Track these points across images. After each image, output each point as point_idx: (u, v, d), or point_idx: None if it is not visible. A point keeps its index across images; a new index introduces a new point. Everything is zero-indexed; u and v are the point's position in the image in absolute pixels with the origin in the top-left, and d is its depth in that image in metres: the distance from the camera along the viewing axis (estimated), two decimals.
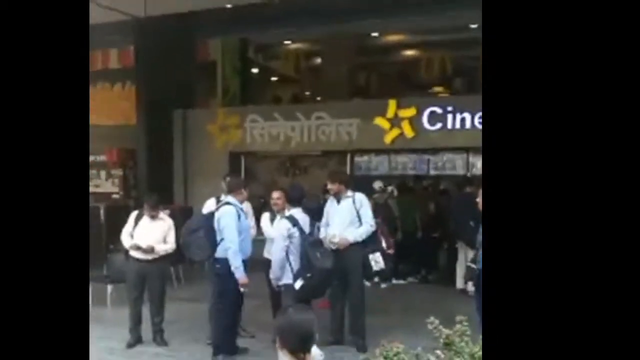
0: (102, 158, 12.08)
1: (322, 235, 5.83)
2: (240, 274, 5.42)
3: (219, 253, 5.50)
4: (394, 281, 9.10)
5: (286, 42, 14.93)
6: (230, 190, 5.77)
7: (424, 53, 15.44)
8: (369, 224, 5.85)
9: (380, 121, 10.32)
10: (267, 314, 5.98)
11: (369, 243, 5.85)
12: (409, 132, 10.14)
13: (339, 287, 5.81)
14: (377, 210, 6.86)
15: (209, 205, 6.57)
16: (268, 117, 11.14)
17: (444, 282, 9.01)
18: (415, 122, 10.10)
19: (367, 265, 5.78)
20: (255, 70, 14.72)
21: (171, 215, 6.56)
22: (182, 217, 7.69)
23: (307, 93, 16.22)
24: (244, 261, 5.49)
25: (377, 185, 9.19)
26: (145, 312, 6.07)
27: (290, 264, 5.39)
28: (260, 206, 6.92)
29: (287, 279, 5.41)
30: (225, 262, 5.45)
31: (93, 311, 6.92)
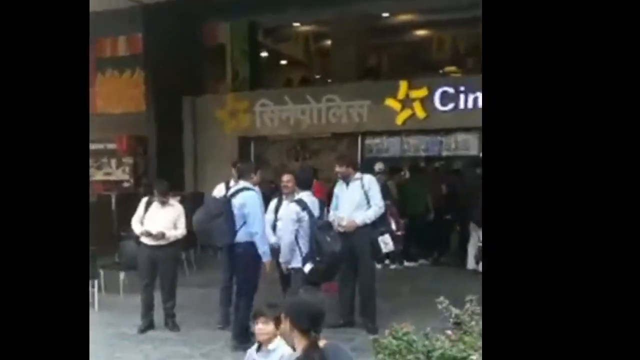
0: (112, 146, 12.14)
1: (331, 218, 5.80)
2: (267, 258, 5.46)
3: (240, 237, 5.49)
4: (406, 263, 9.08)
5: (295, 24, 14.80)
6: (241, 175, 5.74)
7: (435, 32, 15.25)
8: (377, 205, 5.80)
9: (391, 102, 10.21)
10: (275, 298, 5.95)
11: (379, 225, 5.81)
12: (420, 113, 10.03)
13: (349, 269, 5.78)
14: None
15: (219, 190, 6.57)
16: (278, 100, 11.06)
17: (456, 263, 8.93)
18: (426, 102, 9.99)
19: (376, 247, 5.75)
20: (264, 54, 14.59)
21: (181, 201, 6.56)
22: (193, 203, 7.70)
23: (317, 76, 16.08)
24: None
25: (378, 167, 9.11)
26: (158, 297, 6.09)
27: (299, 248, 5.37)
28: (270, 192, 6.89)
29: (297, 263, 5.40)
30: (248, 246, 5.44)
31: (106, 298, 7.09)
